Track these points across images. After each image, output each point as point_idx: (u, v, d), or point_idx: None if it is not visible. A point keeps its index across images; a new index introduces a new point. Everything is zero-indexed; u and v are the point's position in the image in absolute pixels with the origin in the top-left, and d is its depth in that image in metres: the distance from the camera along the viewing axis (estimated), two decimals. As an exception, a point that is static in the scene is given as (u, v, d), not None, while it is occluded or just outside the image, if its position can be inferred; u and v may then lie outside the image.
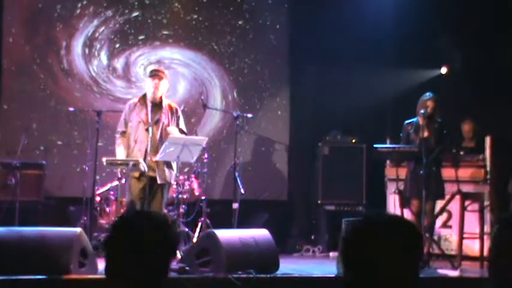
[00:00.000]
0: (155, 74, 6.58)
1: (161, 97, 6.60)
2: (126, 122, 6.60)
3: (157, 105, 6.56)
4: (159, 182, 6.48)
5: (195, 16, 9.06)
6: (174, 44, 9.00)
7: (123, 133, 6.61)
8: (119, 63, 8.80)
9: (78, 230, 5.61)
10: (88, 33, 8.74)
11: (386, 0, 8.98)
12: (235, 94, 9.16)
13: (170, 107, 6.66)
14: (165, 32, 8.97)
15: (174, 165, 6.60)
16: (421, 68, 9.00)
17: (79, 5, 8.70)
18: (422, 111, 6.92)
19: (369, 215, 1.89)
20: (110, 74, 8.78)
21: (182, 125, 6.72)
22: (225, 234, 5.98)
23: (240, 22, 9.20)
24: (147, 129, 6.42)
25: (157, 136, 6.48)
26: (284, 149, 9.26)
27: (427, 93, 7.05)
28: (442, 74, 9.13)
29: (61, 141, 8.53)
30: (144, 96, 6.60)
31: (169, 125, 6.57)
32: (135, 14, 8.88)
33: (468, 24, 8.61)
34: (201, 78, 9.08)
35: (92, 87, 8.70)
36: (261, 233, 6.21)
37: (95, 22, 8.75)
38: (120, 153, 6.56)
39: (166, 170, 6.54)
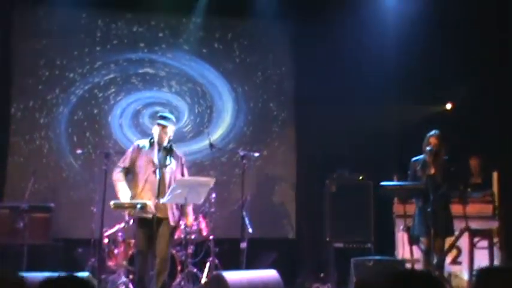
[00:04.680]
0: (162, 120, 6.62)
1: (169, 142, 6.62)
2: (132, 161, 6.56)
3: (166, 149, 6.58)
4: (171, 224, 6.46)
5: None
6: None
7: (124, 169, 6.58)
8: (126, 111, 8.86)
9: (86, 274, 5.60)
10: (94, 81, 8.84)
11: (389, 37, 9.04)
12: (242, 132, 9.20)
13: (176, 155, 6.69)
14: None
15: (190, 208, 6.61)
16: (426, 104, 9.03)
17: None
18: (428, 148, 6.95)
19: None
20: (119, 119, 8.84)
21: (186, 174, 6.75)
22: (234, 277, 5.96)
23: (248, 60, 9.30)
24: (154, 172, 6.42)
25: (167, 180, 6.48)
26: (291, 187, 9.26)
27: (432, 131, 7.09)
28: (447, 110, 9.15)
29: (69, 183, 8.55)
30: (152, 139, 6.62)
31: (176, 172, 6.59)
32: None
33: (472, 59, 8.65)
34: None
35: (100, 131, 8.76)
36: (269, 274, 6.19)
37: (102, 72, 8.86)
38: (123, 190, 6.45)
39: (176, 212, 6.54)
